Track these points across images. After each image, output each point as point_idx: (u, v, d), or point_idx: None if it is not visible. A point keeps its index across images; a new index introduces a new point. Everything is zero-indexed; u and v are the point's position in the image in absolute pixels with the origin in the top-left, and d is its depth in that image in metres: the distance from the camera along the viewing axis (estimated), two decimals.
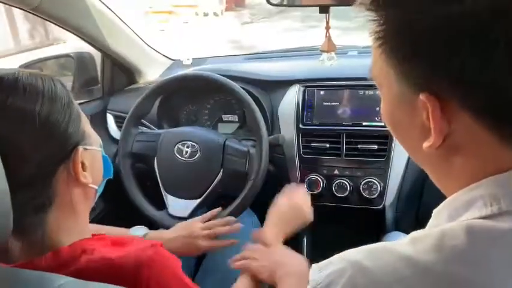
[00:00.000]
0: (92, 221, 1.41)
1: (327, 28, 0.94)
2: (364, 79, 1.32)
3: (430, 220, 0.49)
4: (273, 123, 1.43)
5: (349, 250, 0.46)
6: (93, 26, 1.40)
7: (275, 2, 1.11)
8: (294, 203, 1.02)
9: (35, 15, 1.22)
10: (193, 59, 1.76)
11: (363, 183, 1.29)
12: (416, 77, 0.44)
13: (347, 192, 1.31)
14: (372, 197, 1.29)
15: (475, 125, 0.42)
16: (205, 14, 10.44)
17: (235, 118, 1.55)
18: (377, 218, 1.34)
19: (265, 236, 0.96)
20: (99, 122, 1.58)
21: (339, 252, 0.47)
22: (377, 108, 1.31)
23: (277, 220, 1.00)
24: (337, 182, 1.32)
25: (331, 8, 0.92)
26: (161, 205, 1.27)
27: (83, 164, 0.64)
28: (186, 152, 1.25)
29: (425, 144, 0.45)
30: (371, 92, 1.33)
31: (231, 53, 3.10)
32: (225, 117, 1.56)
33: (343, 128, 1.33)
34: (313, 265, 0.48)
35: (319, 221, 1.06)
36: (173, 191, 1.26)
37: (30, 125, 0.58)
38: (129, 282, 0.60)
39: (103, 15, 1.43)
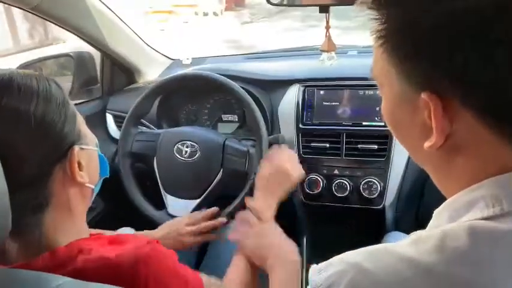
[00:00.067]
0: (91, 221, 1.42)
1: (327, 28, 0.93)
2: (364, 79, 1.33)
3: (431, 221, 0.49)
4: (272, 123, 1.43)
5: (349, 252, 0.46)
6: (92, 25, 1.40)
7: (275, 2, 1.10)
8: (278, 165, 1.00)
9: (35, 14, 1.22)
10: (192, 58, 1.76)
11: (362, 183, 1.29)
12: (417, 76, 0.43)
13: (347, 192, 1.30)
14: (371, 197, 1.29)
15: (477, 124, 0.42)
16: (205, 14, 10.44)
17: (235, 118, 1.54)
18: (377, 218, 1.34)
19: (256, 209, 0.96)
20: (98, 122, 1.57)
21: (338, 253, 0.47)
22: (377, 108, 1.31)
23: (265, 188, 0.98)
24: (337, 181, 1.31)
25: (331, 8, 0.92)
26: (161, 205, 1.27)
27: (79, 164, 0.64)
28: (186, 151, 1.25)
29: (427, 144, 0.44)
30: (371, 92, 1.32)
31: (230, 53, 3.10)
32: (225, 117, 1.55)
33: (343, 127, 1.33)
34: (312, 266, 0.47)
35: (319, 221, 1.06)
36: (173, 190, 1.26)
37: (25, 125, 0.58)
38: (126, 280, 0.60)
39: (103, 15, 1.43)
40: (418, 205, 1.38)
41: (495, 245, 0.40)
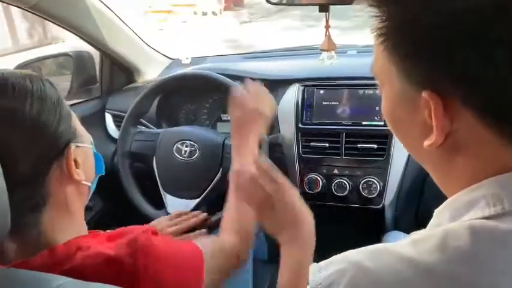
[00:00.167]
0: (90, 221, 1.41)
1: (327, 27, 0.93)
2: (364, 78, 1.33)
3: (432, 220, 0.49)
4: (272, 123, 1.42)
5: (349, 251, 0.46)
6: (92, 24, 1.39)
7: (274, 1, 1.10)
8: (247, 105, 0.97)
9: (33, 13, 1.21)
10: (192, 58, 1.76)
11: (362, 182, 1.29)
12: (418, 75, 0.43)
13: (346, 192, 1.30)
14: (371, 196, 1.29)
15: (478, 123, 0.41)
16: (204, 14, 10.43)
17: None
18: (376, 218, 1.34)
19: (234, 147, 0.94)
20: (97, 121, 1.57)
21: (338, 252, 0.47)
22: (376, 108, 1.31)
23: (238, 130, 0.95)
24: (336, 181, 1.31)
25: (331, 7, 0.92)
26: (160, 204, 1.27)
27: (75, 162, 0.64)
28: (185, 151, 1.25)
29: (427, 143, 0.44)
30: (370, 91, 1.32)
31: (229, 52, 3.10)
32: (224, 117, 1.55)
33: (342, 127, 1.33)
34: (312, 264, 0.47)
35: (318, 221, 1.06)
36: (172, 190, 1.26)
37: (20, 124, 0.58)
38: (127, 273, 0.60)
39: (102, 14, 1.42)
40: (417, 204, 1.38)
41: (496, 244, 0.40)
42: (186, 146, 1.25)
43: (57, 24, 1.32)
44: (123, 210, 1.31)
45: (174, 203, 1.25)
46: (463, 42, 0.39)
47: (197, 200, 1.23)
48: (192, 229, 1.12)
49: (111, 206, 1.53)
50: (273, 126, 1.39)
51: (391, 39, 0.44)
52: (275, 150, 1.36)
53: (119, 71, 1.65)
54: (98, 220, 1.49)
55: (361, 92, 1.34)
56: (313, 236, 0.74)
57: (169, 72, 1.60)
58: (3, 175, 0.49)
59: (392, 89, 0.48)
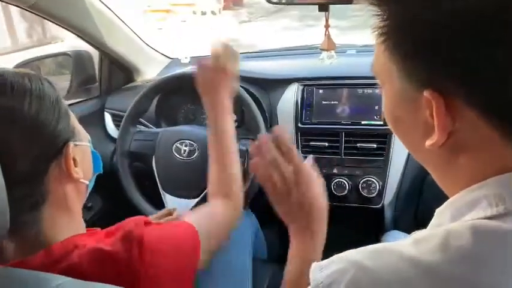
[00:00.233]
0: (89, 220, 1.41)
1: (327, 26, 0.93)
2: (363, 78, 1.33)
3: (433, 219, 0.49)
4: (271, 122, 1.42)
5: (350, 250, 0.46)
6: (91, 24, 1.39)
7: (274, 0, 1.10)
8: (208, 66, 0.95)
9: (32, 12, 1.21)
10: (191, 57, 1.76)
11: (361, 182, 1.29)
12: (419, 74, 0.43)
13: (346, 191, 1.30)
14: (370, 195, 1.29)
15: (481, 123, 0.41)
16: (203, 13, 10.42)
17: (234, 117, 1.54)
18: (376, 217, 1.34)
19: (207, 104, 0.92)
20: (96, 121, 1.57)
21: (337, 251, 0.47)
22: (376, 107, 1.31)
23: (207, 92, 0.94)
24: (336, 181, 1.31)
25: (330, 7, 0.92)
26: (159, 204, 1.26)
27: (74, 160, 0.65)
28: (184, 150, 1.25)
29: (428, 142, 0.44)
30: (370, 91, 1.32)
31: None
32: None
33: (342, 126, 1.33)
34: (313, 264, 0.47)
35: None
36: (171, 190, 1.26)
37: (19, 123, 0.58)
38: (123, 267, 0.60)
39: (101, 14, 1.42)
40: (416, 204, 1.38)
41: (498, 244, 0.40)
42: (186, 146, 1.25)
43: (56, 24, 1.32)
44: (123, 209, 1.30)
45: (173, 203, 1.25)
46: (463, 42, 0.39)
47: (196, 200, 1.23)
48: None
49: (111, 206, 1.53)
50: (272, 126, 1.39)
51: (392, 38, 0.44)
52: None
53: (118, 71, 1.65)
54: (97, 220, 1.49)
55: (360, 91, 1.34)
56: (324, 234, 0.70)
57: (168, 72, 1.59)
58: (2, 174, 0.49)
59: (393, 88, 0.47)
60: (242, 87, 1.27)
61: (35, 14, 1.22)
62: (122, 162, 1.30)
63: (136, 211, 1.26)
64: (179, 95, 1.55)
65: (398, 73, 0.45)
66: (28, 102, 0.59)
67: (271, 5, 1.13)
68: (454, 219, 0.44)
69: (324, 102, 1.37)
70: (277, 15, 9.99)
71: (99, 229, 0.69)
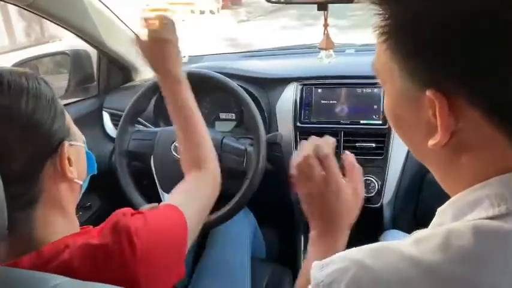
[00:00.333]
0: (88, 220, 1.41)
1: (325, 26, 0.93)
2: (362, 77, 1.33)
3: (434, 219, 0.49)
4: (270, 122, 1.42)
5: (351, 249, 0.46)
6: (89, 23, 1.39)
7: (273, 0, 1.10)
8: (148, 39, 0.92)
9: (30, 11, 1.21)
10: (189, 56, 1.75)
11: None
12: (420, 74, 0.43)
13: None
14: (369, 195, 1.29)
15: (483, 122, 0.41)
16: (202, 12, 10.41)
17: (233, 116, 1.54)
18: (375, 217, 1.34)
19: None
20: (95, 120, 1.57)
21: None
22: (375, 106, 1.31)
23: (153, 61, 0.94)
24: None
25: (329, 6, 0.92)
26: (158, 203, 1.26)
27: (69, 159, 0.65)
28: None
29: (431, 142, 0.44)
30: (369, 90, 1.32)
31: (227, 51, 3.09)
32: (222, 116, 1.55)
33: (341, 126, 1.33)
34: (314, 262, 0.47)
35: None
36: (170, 189, 1.24)
37: (16, 121, 0.58)
38: (115, 258, 0.60)
39: (99, 13, 1.42)
40: (415, 203, 1.38)
41: (500, 244, 0.40)
42: None
43: (54, 23, 1.31)
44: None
45: None
46: (462, 42, 0.39)
47: None
48: None
49: (109, 205, 1.53)
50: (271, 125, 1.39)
51: (394, 37, 0.43)
52: (273, 149, 1.36)
53: (117, 70, 1.64)
54: (96, 219, 1.49)
55: (359, 90, 1.34)
56: (343, 245, 0.71)
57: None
58: None
59: (395, 88, 0.47)
60: (241, 86, 1.26)
61: (33, 12, 1.22)
62: (120, 161, 1.30)
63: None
64: None
65: (399, 72, 0.45)
66: (25, 101, 0.59)
67: (269, 4, 1.13)
68: (455, 218, 0.44)
69: (322, 102, 1.37)
70: (276, 15, 9.99)
71: (91, 227, 0.69)
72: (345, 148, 1.31)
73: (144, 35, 0.92)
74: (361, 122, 1.32)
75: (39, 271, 0.54)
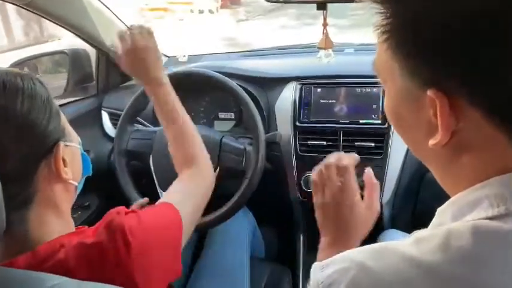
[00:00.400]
0: (86, 219, 1.41)
1: (324, 25, 0.93)
2: (361, 77, 1.33)
3: (434, 219, 0.49)
4: (269, 121, 1.42)
5: (351, 249, 0.46)
6: (88, 22, 1.39)
7: None
8: (131, 45, 0.93)
9: (29, 10, 1.20)
10: (188, 56, 1.75)
11: (359, 181, 1.29)
12: (421, 73, 0.43)
13: None
14: None
15: (484, 122, 0.41)
16: (201, 11, 10.41)
17: (232, 116, 1.54)
18: None
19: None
20: (94, 120, 1.56)
21: None
22: (374, 106, 1.31)
23: (133, 67, 0.95)
24: None
25: (328, 5, 0.92)
26: None
27: (63, 160, 0.65)
28: None
29: (432, 142, 0.44)
30: (368, 90, 1.32)
31: (226, 51, 3.09)
32: (221, 115, 1.55)
33: (340, 125, 1.33)
34: (315, 263, 0.47)
35: (315, 219, 1.06)
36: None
37: (11, 121, 0.58)
38: (110, 255, 0.60)
39: (98, 12, 1.42)
40: (414, 203, 1.38)
41: (499, 244, 0.40)
42: None
43: (53, 22, 1.31)
44: None
45: None
46: (464, 43, 0.39)
47: None
48: None
49: (108, 205, 1.52)
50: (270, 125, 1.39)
51: (395, 37, 0.43)
52: (272, 149, 1.36)
53: (115, 69, 1.64)
54: (94, 218, 1.48)
55: (358, 90, 1.34)
56: None
57: (165, 70, 1.59)
58: None
59: (395, 87, 0.47)
60: (240, 85, 1.26)
61: (31, 12, 1.21)
62: (119, 161, 1.30)
63: None
64: (177, 94, 1.55)
65: (400, 71, 0.45)
66: (20, 101, 0.59)
67: (268, 3, 1.13)
68: (455, 218, 0.44)
69: (322, 101, 1.37)
70: (275, 14, 9.99)
71: (86, 227, 0.69)
72: (344, 148, 1.31)
73: (119, 48, 0.94)
74: (360, 121, 1.32)
75: (35, 271, 0.53)
